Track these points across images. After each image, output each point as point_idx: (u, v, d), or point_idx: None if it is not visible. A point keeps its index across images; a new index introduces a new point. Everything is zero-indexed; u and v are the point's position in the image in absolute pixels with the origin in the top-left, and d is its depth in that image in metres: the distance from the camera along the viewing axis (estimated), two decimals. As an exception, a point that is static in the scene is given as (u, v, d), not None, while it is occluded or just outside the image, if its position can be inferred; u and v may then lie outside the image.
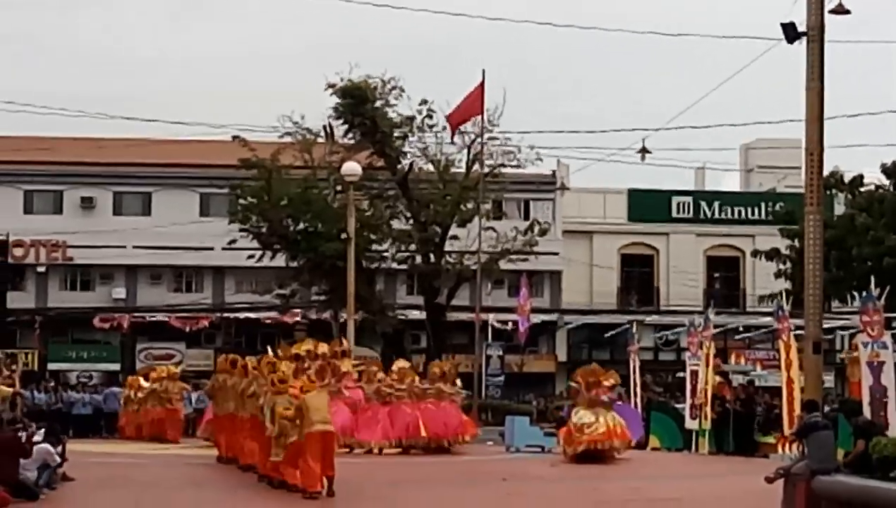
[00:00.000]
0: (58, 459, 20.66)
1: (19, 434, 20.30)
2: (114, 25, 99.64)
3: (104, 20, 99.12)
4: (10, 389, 25.39)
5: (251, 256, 50.87)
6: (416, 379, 32.37)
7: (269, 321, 58.53)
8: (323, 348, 31.49)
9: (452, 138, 48.52)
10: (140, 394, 40.33)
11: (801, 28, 24.29)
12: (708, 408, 33.60)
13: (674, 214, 64.95)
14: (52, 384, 46.72)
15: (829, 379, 49.98)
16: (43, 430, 21.19)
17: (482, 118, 47.42)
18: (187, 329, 59.95)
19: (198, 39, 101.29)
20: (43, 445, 20.48)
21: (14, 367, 35.61)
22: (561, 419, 33.65)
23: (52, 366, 58.37)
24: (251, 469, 23.65)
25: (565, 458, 28.92)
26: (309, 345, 31.26)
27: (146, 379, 41.09)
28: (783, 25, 24.30)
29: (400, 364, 33.45)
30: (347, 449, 29.12)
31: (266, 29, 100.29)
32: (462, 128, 49.37)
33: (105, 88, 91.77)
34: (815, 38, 24.23)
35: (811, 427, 18.54)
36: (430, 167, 51.41)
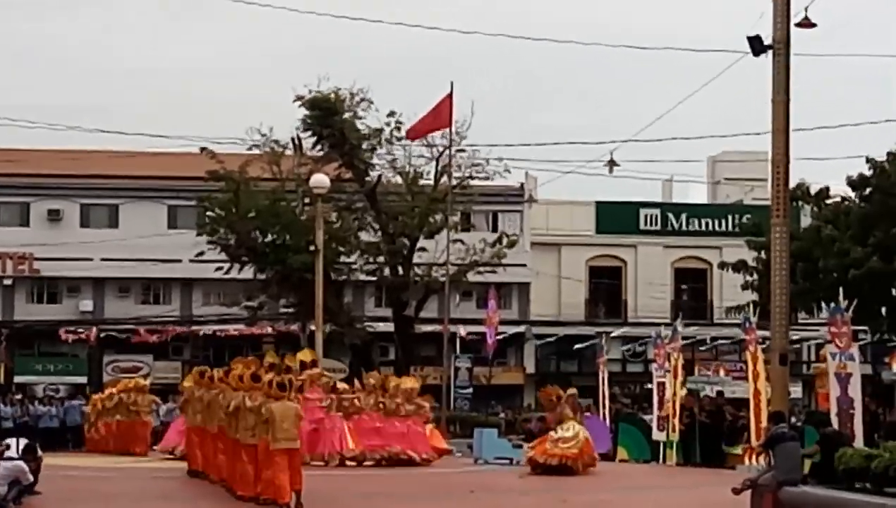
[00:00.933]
0: (31, 478, 20.48)
1: None
2: (83, 37, 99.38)
3: (74, 32, 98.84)
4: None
5: (219, 268, 50.73)
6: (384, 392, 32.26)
7: (237, 333, 58.41)
8: (290, 361, 31.38)
9: (408, 137, 48.44)
10: (107, 405, 40.11)
11: (768, 41, 24.42)
12: (676, 420, 33.68)
13: (642, 226, 65.12)
14: (19, 397, 46.48)
15: (796, 390, 50.34)
16: (21, 447, 21.01)
17: (450, 130, 47.53)
18: (153, 339, 59.72)
19: (167, 51, 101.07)
20: (18, 462, 20.31)
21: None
22: (529, 431, 33.71)
23: (18, 379, 58.16)
24: (221, 482, 23.59)
25: (531, 468, 28.90)
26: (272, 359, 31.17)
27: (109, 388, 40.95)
28: (749, 39, 24.43)
29: (372, 379, 33.32)
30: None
31: (235, 40, 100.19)
32: (430, 140, 49.58)
33: (75, 99, 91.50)
34: (781, 51, 24.37)
35: (778, 438, 18.63)
36: (399, 179, 51.45)
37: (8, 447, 20.63)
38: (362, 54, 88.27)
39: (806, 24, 25.38)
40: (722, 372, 55.78)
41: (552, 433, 29.06)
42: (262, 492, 20.82)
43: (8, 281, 60.39)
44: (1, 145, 58.96)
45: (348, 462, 30.70)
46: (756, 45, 24.39)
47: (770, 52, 24.39)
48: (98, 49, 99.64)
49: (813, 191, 48.84)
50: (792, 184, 31.12)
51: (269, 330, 57.34)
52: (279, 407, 20.50)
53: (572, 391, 30.58)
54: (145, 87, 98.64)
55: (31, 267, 60.22)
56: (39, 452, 21.74)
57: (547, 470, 28.27)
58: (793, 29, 24.81)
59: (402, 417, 31.89)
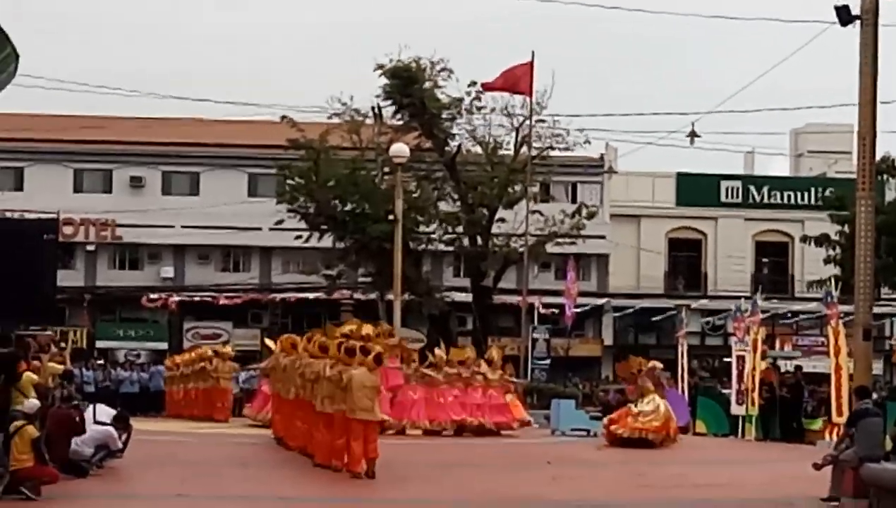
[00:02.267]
0: (119, 445, 20.81)
1: (73, 411, 20.43)
2: (166, 4, 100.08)
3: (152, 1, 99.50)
4: (61, 367, 25.49)
5: (298, 236, 50.96)
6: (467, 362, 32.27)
7: (315, 301, 58.70)
8: (367, 329, 31.51)
9: (485, 88, 48.16)
10: (186, 371, 40.51)
11: (855, 11, 24.05)
12: (755, 394, 33.43)
13: (722, 199, 64.66)
14: (101, 362, 47.04)
15: (878, 367, 49.81)
16: (114, 414, 21.30)
17: (530, 99, 47.36)
18: (234, 305, 60.15)
19: (247, 19, 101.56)
20: (108, 428, 20.63)
21: (63, 345, 35.83)
22: (607, 403, 33.58)
23: (100, 344, 58.89)
24: (299, 449, 23.75)
25: (608, 441, 28.82)
26: (352, 326, 31.29)
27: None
28: (837, 8, 24.06)
29: (461, 352, 33.36)
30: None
31: (316, 8, 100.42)
32: (510, 109, 49.38)
33: (156, 67, 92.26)
34: (869, 21, 23.97)
35: (861, 414, 18.42)
36: (478, 149, 51.34)
37: (84, 409, 20.83)
38: (442, 23, 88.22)
39: (895, -7, 24.93)
40: (788, 347, 55.41)
41: (631, 406, 28.93)
42: (335, 460, 20.91)
43: (91, 247, 61.08)
44: (83, 112, 59.55)
45: (426, 432, 30.79)
46: (843, 15, 24.01)
47: (858, 23, 24.01)
48: (179, 16, 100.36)
49: (898, 164, 48.14)
50: (877, 158, 30.72)
51: (348, 298, 57.51)
52: (358, 375, 20.50)
53: (656, 364, 30.41)
54: (227, 55, 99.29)
55: (114, 233, 60.87)
56: (131, 422, 22.02)
57: (625, 443, 28.18)
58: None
59: (481, 387, 31.88)
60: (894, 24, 26.14)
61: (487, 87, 47.97)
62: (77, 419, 19.98)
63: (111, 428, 20.71)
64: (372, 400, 20.60)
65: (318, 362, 22.04)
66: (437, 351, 33.20)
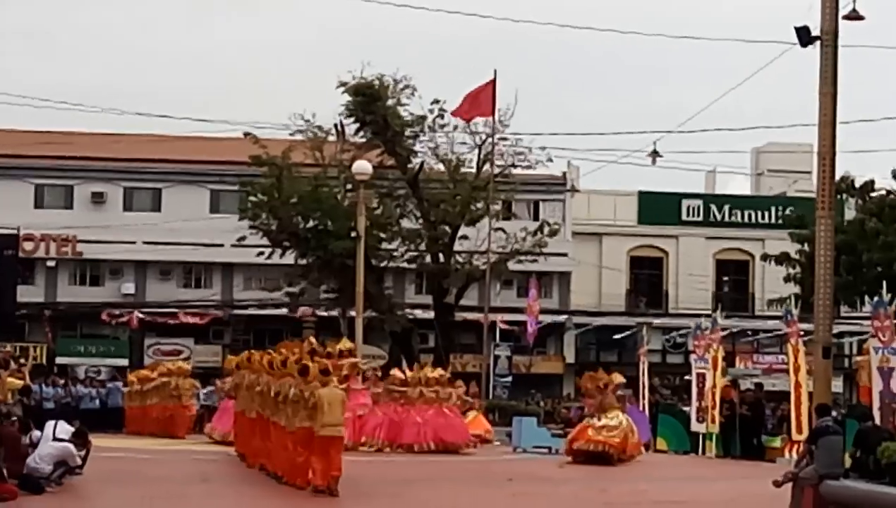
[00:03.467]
0: (78, 461, 20.71)
1: (21, 431, 20.35)
2: (127, 21, 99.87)
3: (118, 16, 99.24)
4: (20, 382, 25.41)
5: (260, 253, 50.89)
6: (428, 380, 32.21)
7: (277, 318, 58.56)
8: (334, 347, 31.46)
9: (456, 114, 48.19)
10: (146, 387, 40.32)
11: (815, 32, 24.25)
12: (715, 411, 33.54)
13: (684, 217, 64.93)
14: (63, 381, 46.71)
15: (837, 384, 50.08)
16: (72, 430, 21.20)
17: (493, 118, 47.49)
18: (195, 321, 59.96)
19: (210, 36, 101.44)
20: (67, 445, 20.53)
21: (23, 361, 35.65)
22: (568, 419, 33.65)
23: (60, 360, 58.54)
24: (259, 466, 23.73)
25: (570, 455, 28.88)
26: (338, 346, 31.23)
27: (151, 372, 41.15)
28: (797, 29, 24.26)
29: (425, 370, 33.30)
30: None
31: (278, 26, 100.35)
32: (473, 127, 49.49)
33: (119, 83, 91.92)
34: (829, 42, 24.19)
35: (821, 431, 18.52)
36: (441, 166, 51.40)
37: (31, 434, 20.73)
38: (405, 41, 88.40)
39: (854, 16, 25.18)
40: (747, 365, 55.59)
41: (594, 420, 28.97)
42: (298, 476, 20.87)
43: (51, 263, 60.77)
44: (45, 128, 59.34)
45: (386, 450, 30.77)
46: (803, 36, 24.22)
47: (818, 44, 24.22)
48: (142, 32, 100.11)
49: (857, 183, 48.47)
50: (837, 177, 30.94)
51: (310, 315, 57.41)
52: (327, 394, 20.45)
53: (619, 379, 30.49)
54: (189, 72, 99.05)
55: (75, 249, 60.60)
56: (90, 437, 21.92)
57: (587, 459, 28.23)
58: (841, 21, 24.62)
59: (435, 405, 31.76)
60: (853, 45, 26.39)
61: (456, 114, 48.00)
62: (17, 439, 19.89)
63: (70, 445, 20.61)
64: (339, 416, 20.57)
65: (281, 380, 21.97)
66: (404, 370, 33.17)
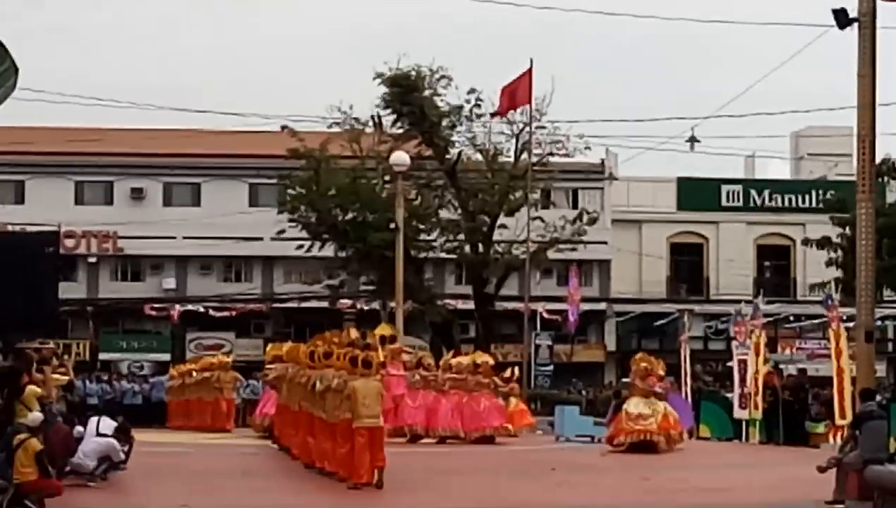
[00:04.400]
0: (121, 456, 20.82)
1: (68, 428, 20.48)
2: (164, 15, 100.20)
3: (154, 10, 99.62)
4: (65, 378, 25.50)
5: (300, 246, 51.00)
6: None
7: (317, 310, 58.66)
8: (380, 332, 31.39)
9: (498, 114, 48.31)
10: (188, 381, 40.46)
11: (853, 14, 24.07)
12: (758, 398, 33.38)
13: (723, 203, 64.70)
14: (106, 377, 46.98)
15: (880, 369, 49.76)
16: (115, 426, 21.31)
17: (530, 107, 47.42)
18: (234, 314, 60.14)
19: (247, 29, 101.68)
20: (110, 440, 20.65)
21: (67, 357, 35.83)
22: (618, 405, 33.27)
23: (103, 356, 58.93)
24: (302, 458, 23.75)
25: (614, 447, 28.81)
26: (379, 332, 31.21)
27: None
28: (835, 11, 24.09)
29: (462, 358, 33.16)
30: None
31: (315, 18, 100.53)
32: (510, 116, 49.38)
33: (157, 79, 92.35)
34: (867, 24, 24.00)
35: (865, 416, 18.42)
36: (479, 156, 51.39)
37: (80, 430, 20.84)
38: (441, 31, 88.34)
39: (892, -3, 24.95)
40: (790, 351, 55.33)
41: (627, 409, 28.85)
42: (339, 469, 20.87)
43: (92, 260, 61.14)
44: (85, 124, 59.59)
45: (428, 439, 30.73)
46: (841, 19, 24.04)
47: (856, 26, 24.04)
48: (179, 28, 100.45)
49: (898, 166, 48.10)
50: (877, 160, 30.72)
51: (350, 307, 57.50)
52: (362, 385, 20.41)
53: (660, 371, 30.24)
54: (226, 66, 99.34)
55: (115, 245, 60.94)
56: (132, 432, 22.03)
57: (631, 447, 28.15)
58: (879, 2, 24.43)
59: (473, 393, 31.63)
60: (892, 26, 26.17)
61: (498, 114, 48.04)
62: (68, 435, 20.01)
63: (113, 440, 20.72)
64: (376, 407, 20.54)
65: (322, 372, 21.96)
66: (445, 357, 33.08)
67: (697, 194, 64.24)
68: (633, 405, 28.83)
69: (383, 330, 32.57)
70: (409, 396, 30.98)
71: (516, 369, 36.49)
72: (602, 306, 62.39)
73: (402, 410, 30.86)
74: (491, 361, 32.87)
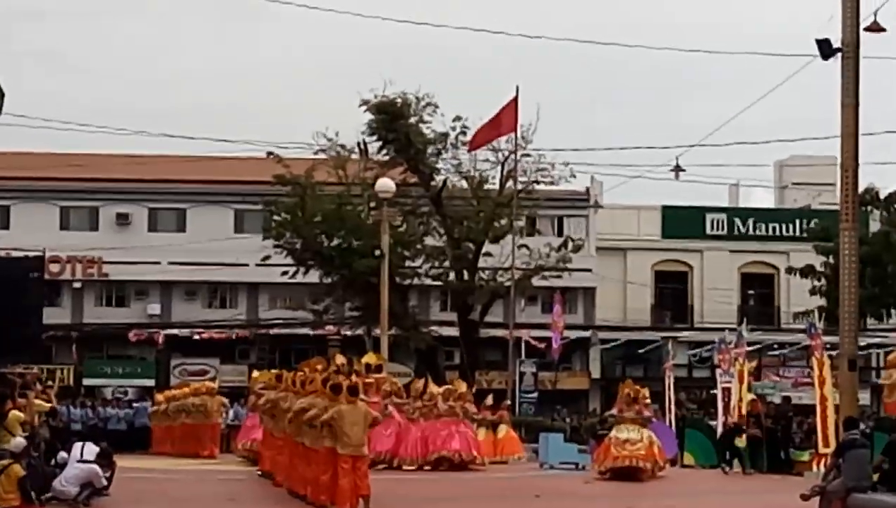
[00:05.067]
0: (104, 482, 20.78)
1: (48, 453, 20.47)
2: (148, 42, 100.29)
3: (140, 36, 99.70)
4: (47, 405, 25.48)
5: (285, 272, 50.96)
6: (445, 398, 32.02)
7: (302, 336, 58.61)
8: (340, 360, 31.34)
9: (470, 149, 48.59)
10: (173, 407, 40.36)
11: (837, 45, 24.21)
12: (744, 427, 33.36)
13: (708, 231, 64.83)
14: (90, 402, 46.83)
15: (864, 397, 49.84)
16: (97, 452, 21.27)
17: (515, 134, 47.50)
18: (219, 341, 60.00)
19: (233, 56, 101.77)
20: (92, 466, 20.60)
21: (50, 383, 35.75)
22: (601, 435, 33.29)
23: (87, 382, 58.70)
24: (286, 485, 23.72)
25: (599, 473, 28.83)
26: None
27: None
28: (818, 42, 24.22)
29: (455, 386, 33.09)
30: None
31: (300, 46, 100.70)
32: (496, 144, 49.49)
33: (143, 104, 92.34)
34: (850, 54, 24.14)
35: (848, 444, 18.48)
36: (464, 184, 51.46)
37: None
38: (428, 59, 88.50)
39: (875, 28, 25.13)
40: (773, 379, 55.42)
41: (616, 435, 28.91)
42: (323, 497, 20.83)
43: (77, 285, 61.03)
44: (70, 150, 59.57)
45: (406, 467, 30.68)
46: (825, 49, 24.18)
47: (839, 56, 24.17)
48: (164, 54, 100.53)
49: (882, 195, 48.37)
50: (861, 189, 30.86)
51: (335, 333, 57.46)
52: (349, 411, 20.36)
53: (645, 398, 30.26)
54: (211, 92, 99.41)
55: (100, 270, 60.84)
56: (114, 458, 21.98)
57: (616, 475, 28.16)
58: (862, 33, 24.57)
59: (446, 420, 31.56)
60: (875, 56, 26.34)
61: (473, 147, 48.22)
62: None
63: (95, 466, 20.66)
64: (362, 435, 20.48)
65: (307, 398, 21.93)
66: (430, 385, 33.00)
67: (682, 222, 64.38)
68: (622, 430, 28.87)
69: (370, 358, 32.54)
70: (381, 424, 30.95)
71: (490, 398, 36.39)
72: (587, 333, 62.41)
73: (373, 437, 30.84)
74: (462, 389, 32.78)
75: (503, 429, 36.52)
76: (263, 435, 27.87)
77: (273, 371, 28.60)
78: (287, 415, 23.06)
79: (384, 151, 50.03)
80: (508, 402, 38.47)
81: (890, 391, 22.84)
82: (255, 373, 32.08)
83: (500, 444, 36.14)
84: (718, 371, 36.07)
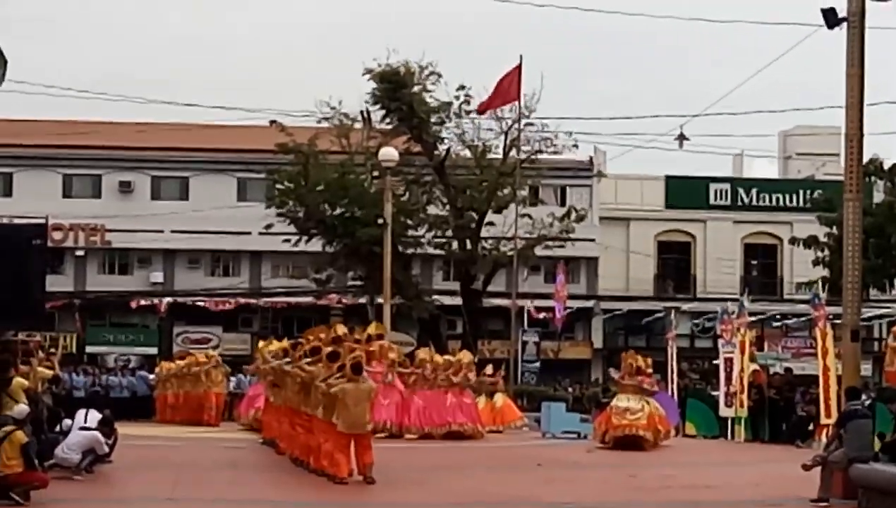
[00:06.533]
0: (106, 449, 20.83)
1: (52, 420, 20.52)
2: (153, 8, 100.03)
3: (142, 3, 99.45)
4: (50, 372, 25.53)
5: (287, 241, 51.00)
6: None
7: (305, 305, 58.66)
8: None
9: (479, 111, 48.41)
10: (176, 375, 40.39)
11: (842, 14, 24.10)
12: (744, 396, 33.47)
13: (711, 201, 64.77)
14: (92, 370, 46.87)
15: (867, 368, 49.87)
16: (99, 419, 21.30)
17: (519, 103, 47.42)
18: (222, 310, 60.07)
19: (236, 23, 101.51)
20: (94, 433, 20.64)
21: (53, 350, 35.82)
22: (604, 403, 33.34)
23: (90, 349, 58.83)
24: (288, 452, 23.78)
25: (601, 443, 28.88)
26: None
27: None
28: (823, 11, 24.09)
29: (422, 353, 33.13)
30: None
31: (305, 12, 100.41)
32: (499, 113, 49.40)
33: (145, 72, 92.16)
34: (856, 23, 23.99)
35: (850, 415, 18.48)
36: (467, 153, 51.42)
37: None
38: (431, 27, 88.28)
39: (881, -3, 24.97)
40: (776, 349, 55.43)
41: (617, 404, 28.95)
42: (320, 464, 20.86)
43: (80, 253, 61.03)
44: (73, 117, 59.52)
45: (408, 436, 30.72)
46: (830, 18, 24.04)
47: (844, 25, 24.06)
48: (167, 21, 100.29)
49: (886, 166, 48.26)
50: (865, 159, 30.77)
51: (337, 302, 57.52)
52: (353, 390, 20.30)
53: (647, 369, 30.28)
54: (216, 59, 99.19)
55: (103, 238, 60.85)
56: (116, 425, 22.02)
57: (618, 444, 28.21)
58: (868, 2, 24.46)
59: (447, 390, 31.61)
60: (881, 26, 26.21)
61: (483, 109, 48.04)
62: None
63: (97, 433, 20.70)
64: (365, 414, 20.46)
65: (312, 369, 21.84)
66: (430, 354, 33.00)
67: (685, 192, 64.31)
68: (622, 400, 28.91)
69: (372, 328, 32.52)
70: (381, 393, 30.99)
71: (490, 367, 36.46)
72: (589, 303, 62.44)
73: (374, 407, 30.86)
74: (466, 359, 32.86)
75: (500, 398, 36.54)
76: (265, 404, 27.92)
77: (282, 342, 28.41)
78: (293, 386, 23.07)
79: (387, 120, 49.96)
80: (503, 371, 38.37)
81: (891, 357, 22.88)
82: (261, 343, 32.02)
83: (497, 412, 36.16)
84: (721, 341, 36.06)
